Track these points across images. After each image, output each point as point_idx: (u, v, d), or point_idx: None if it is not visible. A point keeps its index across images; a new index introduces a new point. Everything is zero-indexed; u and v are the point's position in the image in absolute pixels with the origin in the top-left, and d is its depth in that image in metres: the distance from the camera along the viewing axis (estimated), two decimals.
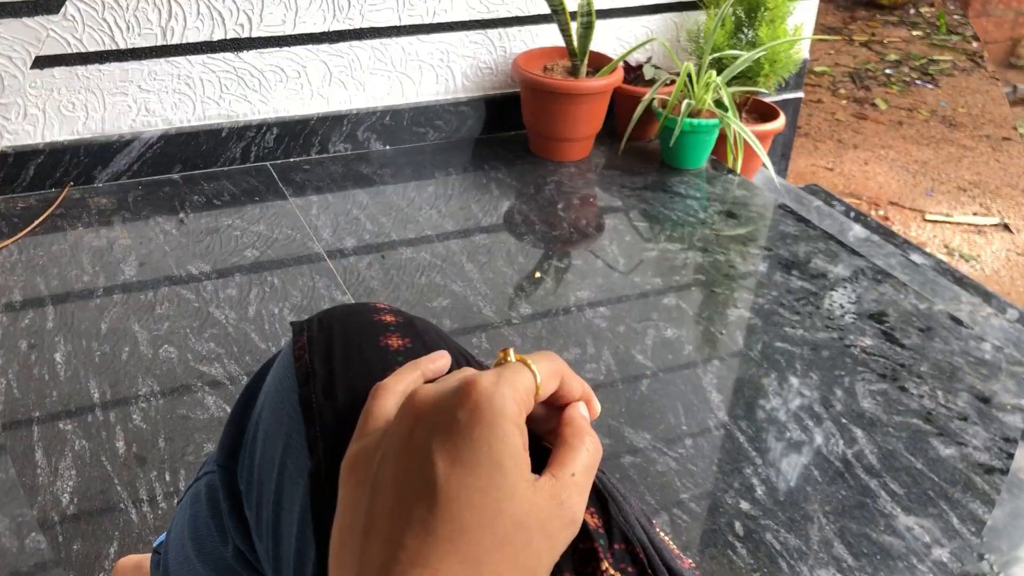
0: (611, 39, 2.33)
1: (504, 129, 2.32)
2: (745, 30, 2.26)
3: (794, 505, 1.26)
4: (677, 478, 1.29)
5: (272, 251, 1.78)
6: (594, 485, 0.47)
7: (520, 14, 2.19)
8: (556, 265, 1.80)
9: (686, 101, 2.10)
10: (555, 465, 0.43)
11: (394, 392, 0.47)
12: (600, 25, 2.28)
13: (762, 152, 2.09)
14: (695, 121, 2.10)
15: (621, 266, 1.80)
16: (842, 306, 1.71)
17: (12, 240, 1.77)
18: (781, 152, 2.71)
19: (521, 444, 0.42)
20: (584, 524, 0.45)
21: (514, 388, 0.43)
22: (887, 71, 3.86)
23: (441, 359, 0.51)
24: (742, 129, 2.08)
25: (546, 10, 2.18)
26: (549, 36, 2.25)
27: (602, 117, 2.19)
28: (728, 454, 1.34)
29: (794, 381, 1.50)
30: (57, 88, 1.87)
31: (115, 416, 1.36)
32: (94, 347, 1.50)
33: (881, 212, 2.84)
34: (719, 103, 2.15)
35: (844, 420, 1.42)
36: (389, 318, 0.55)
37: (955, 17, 4.46)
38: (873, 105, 3.56)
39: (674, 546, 0.52)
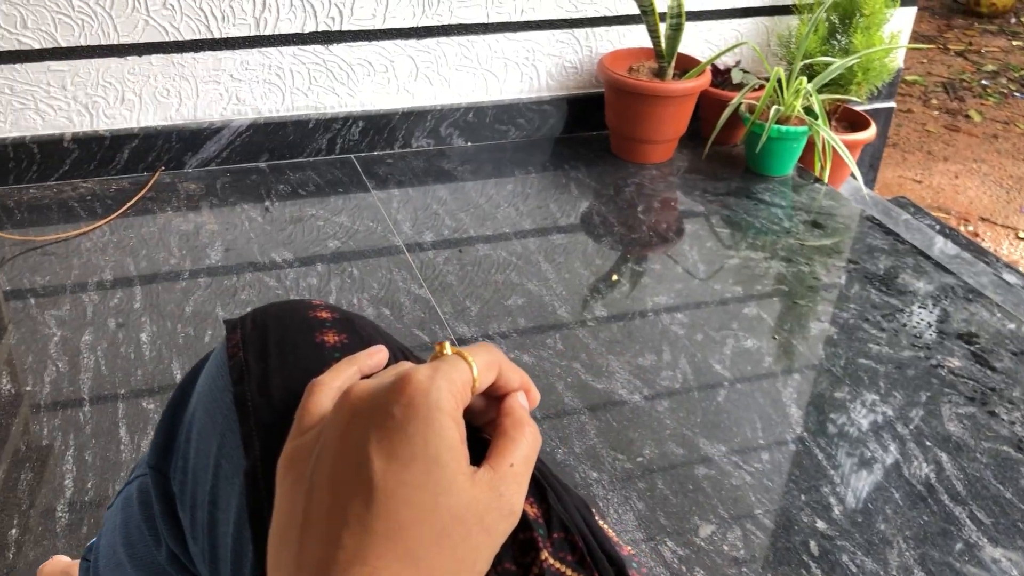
0: (700, 41, 2.30)
1: (586, 129, 2.31)
2: (839, 36, 2.21)
3: (872, 528, 1.22)
4: (751, 492, 1.27)
5: (353, 242, 1.80)
6: (533, 475, 0.46)
7: (608, 14, 2.18)
8: (633, 268, 1.79)
9: (774, 107, 2.06)
10: (494, 456, 0.42)
11: (330, 388, 0.46)
12: (689, 27, 2.25)
13: (851, 162, 2.03)
14: (783, 128, 2.05)
15: (701, 272, 1.77)
16: (929, 324, 1.66)
17: (105, 221, 1.83)
18: (870, 163, 2.64)
19: (458, 437, 0.41)
20: (524, 514, 0.45)
21: (450, 381, 0.42)
22: (983, 82, 3.73)
23: (378, 354, 0.50)
24: (831, 137, 2.03)
25: (635, 10, 2.16)
26: (636, 37, 2.23)
27: (687, 120, 2.16)
28: (805, 471, 1.31)
29: (876, 399, 1.46)
30: (153, 75, 1.93)
31: None
32: (178, 329, 1.53)
33: (971, 228, 2.74)
34: (808, 110, 2.10)
35: (928, 443, 1.37)
36: (325, 314, 0.54)
37: None
38: (967, 117, 3.44)
39: (613, 534, 0.52)
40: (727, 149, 2.27)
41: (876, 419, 1.42)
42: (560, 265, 1.77)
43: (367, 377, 0.47)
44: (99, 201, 1.90)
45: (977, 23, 4.33)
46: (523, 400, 0.47)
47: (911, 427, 1.40)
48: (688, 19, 2.24)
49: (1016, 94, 3.63)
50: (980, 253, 2.32)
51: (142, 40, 1.88)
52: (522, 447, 0.43)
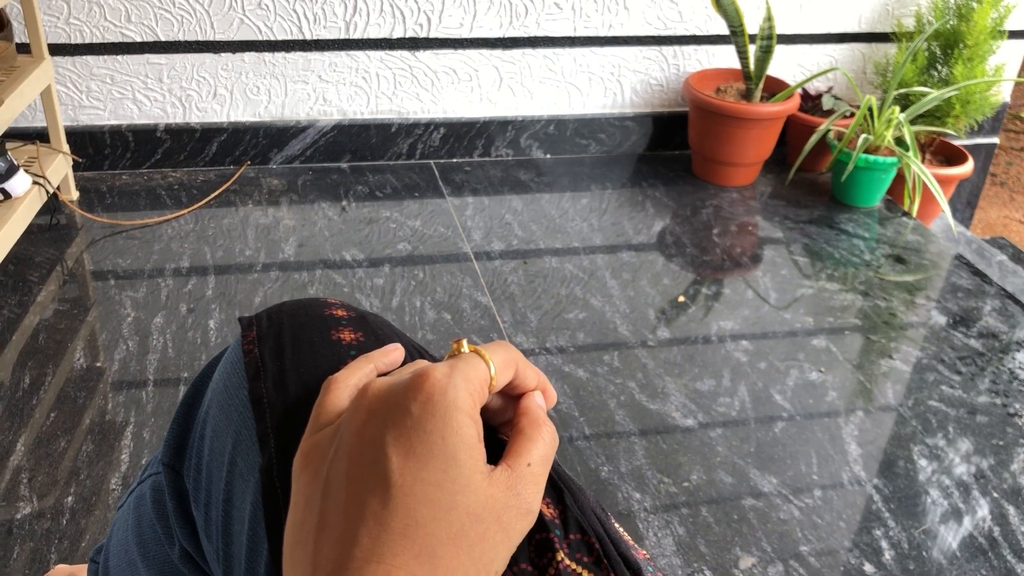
0: (791, 65, 2.25)
1: (668, 148, 2.28)
2: (939, 67, 2.13)
3: None
4: (799, 528, 1.22)
5: (424, 247, 1.82)
6: (550, 476, 0.46)
7: (698, 33, 2.15)
8: (703, 291, 1.75)
9: (864, 136, 2.00)
10: (511, 455, 0.42)
11: (347, 385, 0.45)
12: (780, 50, 2.21)
13: (942, 198, 1.95)
14: (871, 157, 1.99)
15: (772, 300, 1.73)
16: (1011, 371, 1.58)
17: (189, 210, 1.89)
18: (967, 200, 2.53)
19: (475, 435, 0.41)
20: (540, 514, 0.44)
21: (467, 379, 0.42)
22: None
23: (394, 352, 0.49)
24: (922, 171, 1.96)
25: (725, 31, 2.13)
26: (725, 57, 2.20)
27: (772, 144, 2.11)
28: (859, 511, 1.26)
29: (944, 444, 1.39)
30: (245, 72, 1.99)
31: None
32: None
33: None
34: (900, 141, 2.03)
35: (995, 494, 1.30)
36: (340, 312, 0.54)
37: None
38: None
39: (629, 538, 0.51)
40: (812, 176, 2.21)
41: (942, 464, 1.35)
42: (626, 283, 1.75)
43: (384, 375, 0.47)
44: (185, 191, 1.97)
45: None
46: (540, 400, 0.47)
47: (979, 477, 1.33)
48: (780, 42, 2.19)
49: None
50: None
51: (236, 38, 1.94)
52: (540, 446, 0.43)
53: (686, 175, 2.19)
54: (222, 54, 1.96)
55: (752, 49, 2.03)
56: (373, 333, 0.53)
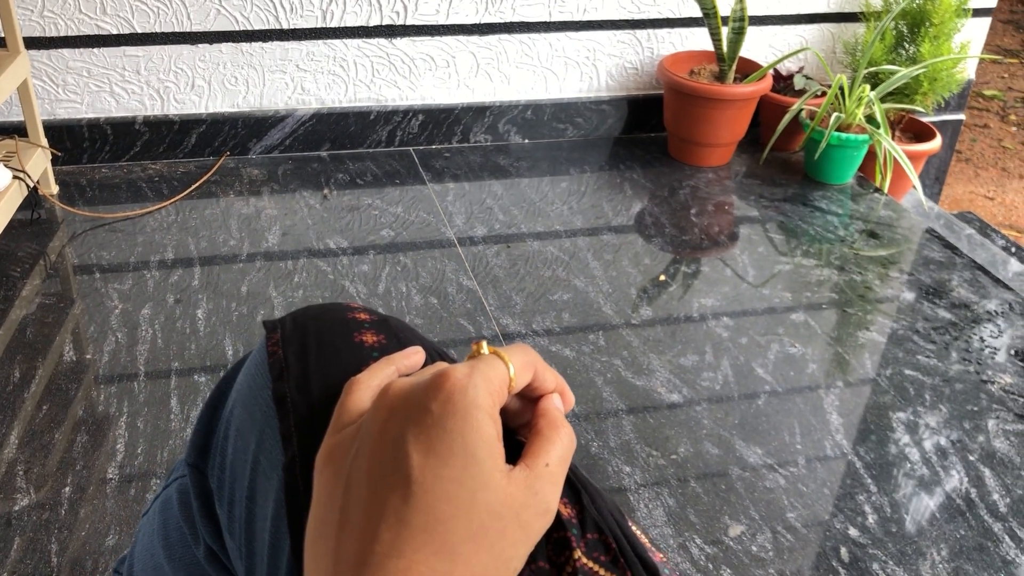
0: (763, 46, 2.28)
1: (644, 130, 2.31)
2: (906, 45, 2.17)
3: (906, 539, 1.21)
4: (785, 496, 1.26)
5: (407, 233, 1.84)
6: (567, 476, 0.47)
7: (671, 15, 2.18)
8: (683, 270, 1.79)
9: (835, 114, 2.04)
10: (529, 456, 0.43)
11: (368, 386, 0.46)
12: (753, 31, 2.24)
13: (912, 173, 2.00)
14: (843, 135, 2.03)
15: (751, 277, 1.77)
16: (983, 340, 1.62)
17: (170, 201, 1.89)
18: (935, 176, 2.58)
19: (495, 435, 0.41)
20: (558, 514, 0.45)
21: (487, 380, 0.43)
22: None
23: (415, 355, 0.51)
24: (893, 147, 2.00)
25: (697, 13, 2.16)
26: (699, 40, 2.23)
27: (746, 125, 2.15)
28: (842, 479, 1.30)
29: (921, 411, 1.44)
30: (223, 62, 1.99)
31: None
32: (233, 308, 1.58)
33: None
34: (871, 119, 2.07)
35: (972, 458, 1.35)
36: (363, 316, 0.55)
37: None
38: None
39: (647, 540, 0.52)
40: (786, 155, 2.25)
41: (919, 431, 1.40)
42: (608, 264, 1.78)
43: (405, 376, 0.48)
44: (166, 182, 1.97)
45: None
46: (558, 402, 0.47)
47: (955, 441, 1.38)
48: (752, 23, 2.23)
49: None
50: None
51: (213, 28, 1.94)
52: (558, 447, 0.44)
53: (663, 157, 2.22)
54: (199, 45, 1.96)
55: (725, 31, 2.06)
56: (395, 336, 0.54)
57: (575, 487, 0.48)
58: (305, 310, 0.56)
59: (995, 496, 1.28)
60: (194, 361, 1.46)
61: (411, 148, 2.18)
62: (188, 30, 1.93)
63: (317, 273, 1.69)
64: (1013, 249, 2.41)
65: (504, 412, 0.46)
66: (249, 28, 1.96)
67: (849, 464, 1.33)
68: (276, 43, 1.99)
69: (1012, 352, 1.60)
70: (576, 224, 1.90)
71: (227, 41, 1.97)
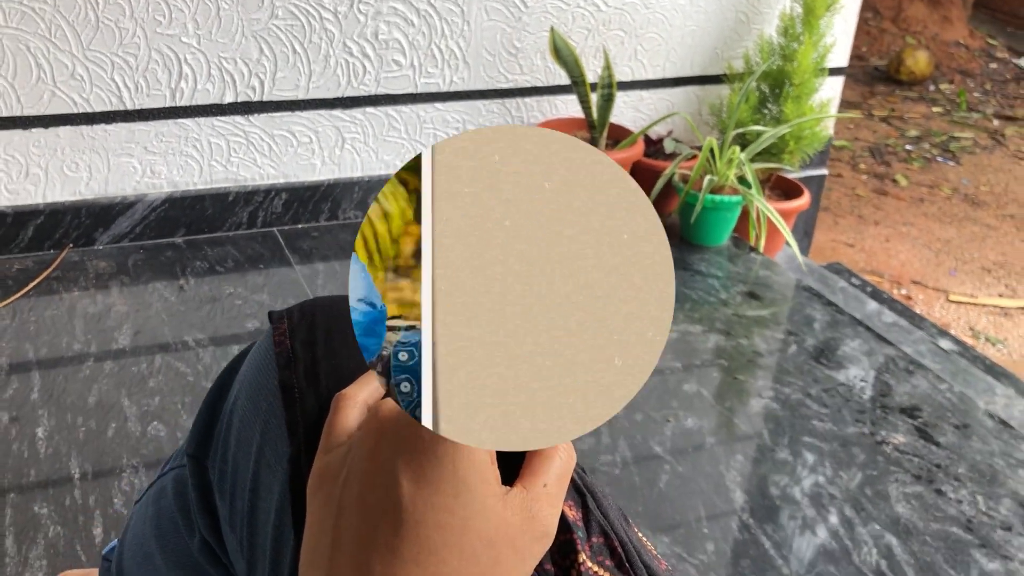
0: (631, 112, 2.28)
1: None
2: (770, 105, 2.21)
3: None
4: None
5: None
6: (573, 481, 0.47)
7: (539, 84, 2.15)
8: None
9: (708, 177, 2.04)
10: (526, 476, 0.42)
11: (356, 403, 0.46)
12: (620, 97, 2.23)
13: (786, 231, 2.02)
14: (717, 197, 2.03)
15: None
16: (872, 399, 1.62)
17: (5, 303, 1.70)
18: (804, 230, 2.64)
19: (488, 458, 0.41)
20: (563, 516, 0.45)
21: None
22: (907, 147, 3.81)
23: None
24: (765, 207, 2.01)
25: (566, 81, 2.13)
26: (568, 107, 2.20)
27: None
28: (753, 561, 1.24)
29: (823, 480, 1.40)
30: (61, 147, 1.82)
31: (95, 500, 1.27)
32: (79, 422, 1.41)
33: (904, 291, 2.75)
34: (742, 179, 2.08)
35: (877, 526, 1.32)
36: None
37: (975, 95, 4.43)
38: (894, 181, 3.50)
39: (651, 547, 0.51)
40: (662, 219, 2.24)
41: (824, 502, 1.36)
42: None
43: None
44: None
45: (898, 90, 4.45)
46: None
47: (860, 510, 1.35)
48: (619, 89, 2.22)
49: (939, 159, 3.71)
50: (915, 319, 2.32)
51: (48, 112, 1.78)
52: (556, 464, 0.43)
53: None
54: (33, 130, 1.79)
55: (594, 98, 2.04)
56: None
57: (580, 491, 0.48)
58: (314, 301, 0.56)
59: (904, 566, 1.25)
60: (33, 489, 1.28)
61: (275, 228, 2.06)
62: (19, 114, 1.76)
63: (175, 375, 1.54)
64: (884, 296, 2.47)
65: None
66: (89, 110, 1.81)
67: (758, 545, 1.27)
68: (121, 124, 1.84)
69: (900, 409, 1.60)
70: None
71: (65, 124, 1.80)
